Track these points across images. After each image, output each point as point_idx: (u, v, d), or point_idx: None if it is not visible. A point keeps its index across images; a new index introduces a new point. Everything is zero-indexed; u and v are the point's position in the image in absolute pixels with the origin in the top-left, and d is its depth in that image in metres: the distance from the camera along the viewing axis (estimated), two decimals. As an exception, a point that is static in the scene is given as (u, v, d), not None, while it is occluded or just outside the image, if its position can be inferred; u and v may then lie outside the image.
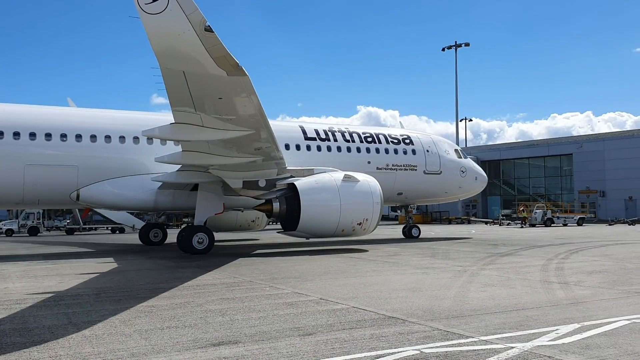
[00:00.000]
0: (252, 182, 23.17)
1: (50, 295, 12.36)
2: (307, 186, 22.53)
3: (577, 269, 16.81)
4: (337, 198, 22.51)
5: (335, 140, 29.22)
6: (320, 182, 22.94)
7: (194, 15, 13.39)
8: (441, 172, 31.81)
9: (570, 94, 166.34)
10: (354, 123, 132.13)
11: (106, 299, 11.75)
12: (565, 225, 59.31)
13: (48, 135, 23.52)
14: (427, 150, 31.69)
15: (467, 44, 73.68)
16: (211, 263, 18.90)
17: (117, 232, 51.78)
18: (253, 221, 30.51)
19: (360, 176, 23.87)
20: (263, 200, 23.47)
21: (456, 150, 33.43)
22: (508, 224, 63.73)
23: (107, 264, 19.51)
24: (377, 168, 29.41)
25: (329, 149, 28.79)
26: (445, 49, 74.31)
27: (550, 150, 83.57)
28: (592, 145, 77.86)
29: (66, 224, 53.50)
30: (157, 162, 22.17)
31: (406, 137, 31.84)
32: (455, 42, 73.62)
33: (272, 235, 36.94)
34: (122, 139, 24.69)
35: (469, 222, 72.36)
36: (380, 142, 30.61)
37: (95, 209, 49.87)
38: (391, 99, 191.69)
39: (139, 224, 53.71)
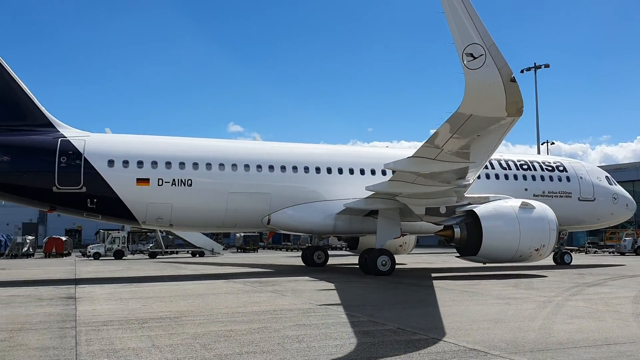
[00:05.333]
0: (434, 208, 24.51)
1: (135, 317, 12.82)
2: (487, 213, 23.52)
3: (675, 302, 15.66)
4: (517, 225, 23.36)
5: (493, 168, 30.42)
6: (499, 209, 23.92)
7: (504, 69, 15.19)
8: (595, 199, 32.22)
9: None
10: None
11: (187, 322, 12.03)
12: (658, 253, 55.59)
13: (246, 167, 26.32)
14: (581, 178, 32.23)
15: (546, 66, 71.26)
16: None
17: (197, 255, 53.18)
18: (400, 246, 32.43)
19: (536, 203, 24.71)
20: (442, 227, 24.79)
21: (607, 177, 33.61)
22: (595, 252, 60.53)
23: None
24: (534, 195, 30.03)
25: (487, 176, 29.99)
26: (524, 70, 72.19)
27: (640, 174, 79.03)
28: (685, 168, 73.05)
29: (149, 247, 55.54)
30: (366, 190, 24.27)
31: (559, 164, 32.67)
32: (535, 64, 71.24)
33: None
34: (306, 169, 27.40)
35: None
36: (535, 169, 31.61)
37: (176, 234, 52.27)
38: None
39: (218, 247, 55.32)
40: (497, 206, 24.05)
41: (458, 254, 24.79)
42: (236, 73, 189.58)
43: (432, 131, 18.80)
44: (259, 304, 15.15)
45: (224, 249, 60.12)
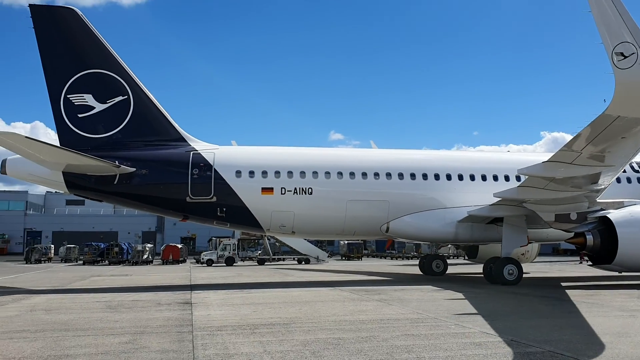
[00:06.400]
0: (563, 215, 23.56)
1: (247, 323, 13.26)
2: (622, 219, 22.34)
3: None
4: None
5: (624, 171, 28.31)
6: (635, 214, 22.67)
7: None
8: None
9: None
10: (538, 150, 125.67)
11: (296, 329, 12.25)
12: None
13: (364, 174, 26.61)
14: None
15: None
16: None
17: (303, 262, 54.17)
18: (523, 254, 30.85)
19: None
20: (572, 234, 23.90)
21: None
22: None
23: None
24: None
25: (618, 180, 28.00)
26: None
27: None
28: None
29: (258, 254, 57.34)
30: (495, 197, 23.71)
31: None
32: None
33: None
34: (424, 176, 27.13)
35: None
36: None
37: (282, 241, 53.56)
38: (579, 122, 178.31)
39: (323, 255, 56.05)
40: (633, 211, 22.61)
41: (590, 263, 23.54)
42: (338, 82, 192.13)
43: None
44: (366, 312, 15.14)
45: (328, 256, 60.76)
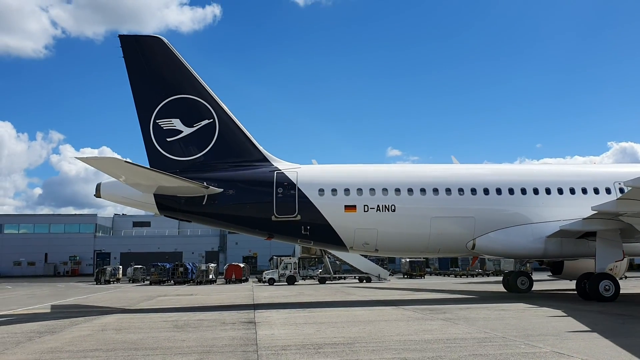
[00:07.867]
0: None
1: (310, 342, 13.22)
2: None
3: None
4: None
5: None
6: None
7: None
8: None
9: None
10: (605, 161, 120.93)
11: (360, 349, 12.11)
12: None
13: (448, 190, 26.30)
14: None
15: None
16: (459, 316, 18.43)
17: (364, 281, 53.73)
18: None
19: None
20: None
21: None
22: None
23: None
24: None
25: None
26: None
27: None
28: None
29: (319, 273, 57.34)
30: (593, 210, 22.85)
31: None
32: None
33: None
34: (511, 191, 26.57)
35: None
36: None
37: (343, 260, 53.38)
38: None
39: (384, 273, 55.45)
40: None
41: None
42: (393, 99, 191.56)
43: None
44: (431, 332, 14.83)
45: (390, 274, 60.10)
